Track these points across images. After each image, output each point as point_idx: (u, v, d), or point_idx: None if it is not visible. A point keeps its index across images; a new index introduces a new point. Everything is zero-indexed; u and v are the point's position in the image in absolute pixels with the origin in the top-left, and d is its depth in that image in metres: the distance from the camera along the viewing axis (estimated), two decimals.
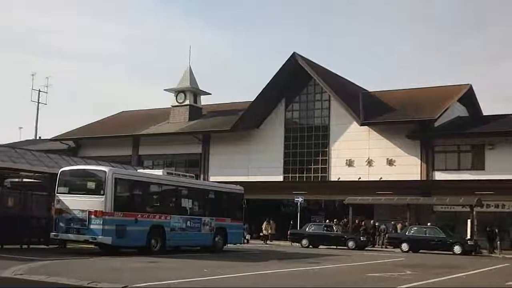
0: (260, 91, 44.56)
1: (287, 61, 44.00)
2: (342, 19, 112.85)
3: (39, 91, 66.44)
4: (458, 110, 43.65)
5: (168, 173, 26.90)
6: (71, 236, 22.78)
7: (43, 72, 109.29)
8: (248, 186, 32.46)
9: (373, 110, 42.53)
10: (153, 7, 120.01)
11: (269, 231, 40.90)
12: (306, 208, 43.23)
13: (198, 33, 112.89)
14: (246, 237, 39.67)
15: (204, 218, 26.66)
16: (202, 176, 45.79)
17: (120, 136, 50.29)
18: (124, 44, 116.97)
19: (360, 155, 41.65)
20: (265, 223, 40.99)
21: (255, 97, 45.08)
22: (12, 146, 36.69)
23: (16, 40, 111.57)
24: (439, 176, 39.39)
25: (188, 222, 25.75)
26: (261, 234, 41.04)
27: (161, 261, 19.80)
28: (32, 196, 26.27)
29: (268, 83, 44.33)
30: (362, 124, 41.19)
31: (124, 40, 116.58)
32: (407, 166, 39.99)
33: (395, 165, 40.56)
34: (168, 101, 52.04)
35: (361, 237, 36.59)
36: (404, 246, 34.62)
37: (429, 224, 36.57)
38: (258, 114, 45.55)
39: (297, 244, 37.32)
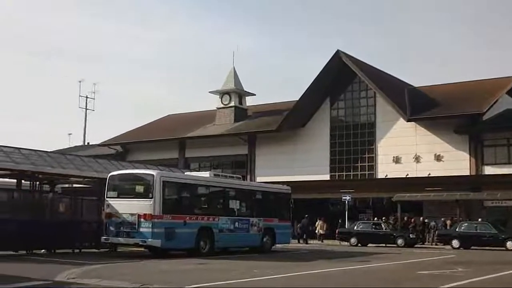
0: (305, 90, 44.46)
1: (331, 59, 43.79)
2: (386, 13, 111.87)
3: (87, 97, 67.43)
4: (507, 103, 42.75)
5: (215, 175, 27.04)
6: (121, 240, 23.08)
7: (90, 78, 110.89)
8: (295, 185, 32.39)
9: (420, 105, 42.01)
10: (196, 11, 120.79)
11: (323, 230, 40.64)
12: (353, 206, 42.94)
13: (242, 34, 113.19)
14: (304, 237, 39.74)
15: (252, 219, 26.71)
16: (248, 177, 45.86)
17: (167, 139, 50.72)
18: (169, 48, 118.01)
19: (407, 151, 41.19)
20: (320, 222, 40.87)
21: (299, 96, 44.98)
22: (62, 152, 37.38)
23: (65, 47, 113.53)
24: (488, 170, 38.70)
25: (236, 223, 25.83)
26: (317, 232, 40.87)
27: (210, 262, 19.91)
28: (82, 201, 26.72)
29: (312, 82, 44.19)
30: (408, 120, 40.75)
31: (169, 44, 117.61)
32: (456, 162, 39.39)
33: (443, 161, 40.01)
34: (213, 103, 52.21)
35: (411, 235, 36.18)
36: (455, 243, 34.08)
37: (479, 219, 35.94)
38: (303, 113, 45.44)
39: (346, 242, 37.10)
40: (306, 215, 40.20)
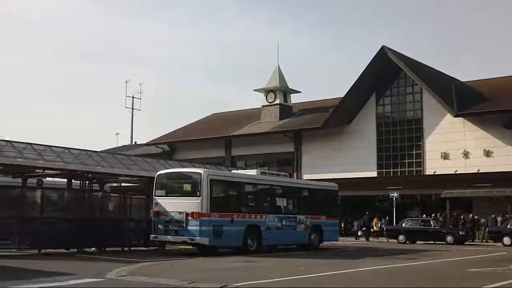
0: (350, 86, 44.22)
1: (376, 55, 43.46)
2: (429, 7, 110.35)
3: (133, 97, 68.17)
4: None
5: (262, 173, 27.11)
6: (170, 238, 23.31)
7: (136, 79, 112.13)
8: (341, 183, 32.26)
9: (468, 100, 41.38)
10: (238, 9, 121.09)
11: (378, 227, 40.41)
12: (401, 203, 42.53)
13: (286, 32, 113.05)
14: (359, 234, 39.57)
15: (299, 216, 26.68)
16: (295, 174, 45.81)
17: (213, 138, 50.98)
18: (212, 47, 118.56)
19: (456, 147, 40.63)
20: (375, 219, 40.66)
21: (345, 93, 44.75)
22: (110, 152, 37.89)
23: (111, 49, 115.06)
24: None
25: (284, 220, 25.84)
26: (371, 230, 40.69)
27: (257, 260, 19.95)
28: (131, 200, 27.05)
29: (358, 78, 43.92)
30: (456, 115, 40.18)
31: (211, 43, 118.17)
32: (506, 157, 38.68)
33: (492, 156, 39.33)
34: (258, 101, 52.29)
35: (460, 232, 35.67)
36: (506, 240, 33.44)
37: None
38: (349, 110, 45.20)
39: (394, 240, 36.77)
40: (367, 212, 40.25)
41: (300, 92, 52.27)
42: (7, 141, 25.47)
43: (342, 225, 38.77)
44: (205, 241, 22.32)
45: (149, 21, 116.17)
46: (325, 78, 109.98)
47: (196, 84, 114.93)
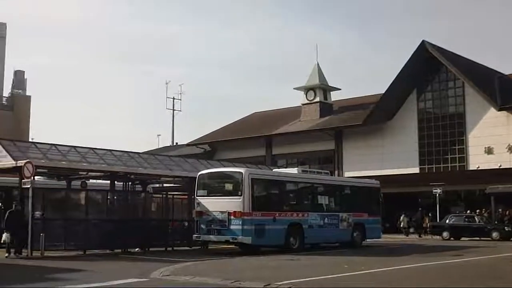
0: (391, 82, 43.82)
1: (416, 50, 42.98)
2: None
3: (173, 98, 68.68)
4: None
5: (303, 171, 27.07)
6: (212, 237, 23.42)
7: (176, 80, 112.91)
8: (383, 179, 32.00)
9: (511, 93, 40.67)
10: (276, 7, 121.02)
11: (425, 224, 39.96)
12: (444, 199, 41.97)
13: (324, 29, 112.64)
14: (411, 231, 39.22)
15: (341, 214, 26.56)
16: (336, 172, 45.60)
17: (253, 137, 51.03)
18: (250, 46, 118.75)
19: (500, 141, 39.96)
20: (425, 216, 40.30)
21: (385, 89, 44.37)
22: (152, 153, 38.23)
23: (151, 51, 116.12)
24: None
25: (326, 218, 25.76)
26: (424, 226, 40.29)
27: (300, 258, 19.91)
28: (173, 200, 27.27)
29: (398, 74, 43.49)
30: (500, 109, 39.52)
31: (249, 43, 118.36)
32: None
33: None
34: (298, 99, 52.19)
35: (506, 227, 35.06)
36: None
37: None
38: (389, 106, 44.80)
39: (438, 236, 36.34)
40: (420, 208, 39.90)
41: (340, 89, 52.05)
42: (52, 144, 25.88)
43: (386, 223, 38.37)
44: (247, 240, 22.37)
45: (188, 23, 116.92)
46: (365, 75, 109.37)
47: (236, 83, 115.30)
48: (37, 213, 22.69)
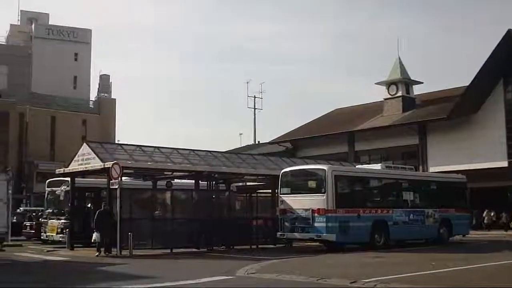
0: (475, 74, 42.61)
1: (502, 39, 41.62)
2: None
3: (254, 97, 68.93)
4: None
5: (387, 167, 26.74)
6: (297, 235, 23.46)
7: (257, 79, 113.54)
8: (470, 174, 31.20)
9: None
10: (353, 2, 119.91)
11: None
12: None
13: (404, 22, 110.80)
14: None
15: (427, 210, 26.08)
16: (421, 167, 44.72)
17: (335, 133, 50.66)
18: (329, 42, 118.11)
19: None
20: None
21: (470, 81, 43.19)
22: (235, 152, 38.56)
23: (230, 50, 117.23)
24: None
25: (411, 215, 25.36)
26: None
27: (386, 255, 19.66)
28: (257, 198, 27.42)
29: (483, 65, 42.19)
30: None
31: (328, 39, 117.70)
32: None
33: None
34: (379, 94, 51.51)
35: None
36: None
37: None
38: (475, 99, 43.54)
39: None
40: None
41: (422, 83, 50.99)
42: (137, 145, 26.50)
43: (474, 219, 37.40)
44: (332, 237, 22.29)
45: (267, 20, 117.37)
46: (448, 67, 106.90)
47: (316, 80, 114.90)
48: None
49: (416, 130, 46.34)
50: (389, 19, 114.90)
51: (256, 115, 69.38)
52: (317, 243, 24.02)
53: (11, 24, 75.04)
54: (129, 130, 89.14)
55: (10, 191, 24.01)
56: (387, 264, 17.06)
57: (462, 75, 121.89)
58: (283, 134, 55.90)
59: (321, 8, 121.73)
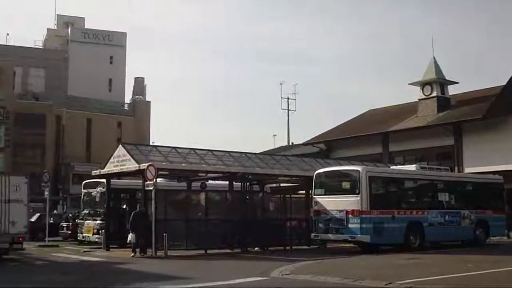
0: None
1: None
2: None
3: (288, 98, 68.89)
4: None
5: (421, 168, 26.53)
6: (331, 236, 23.42)
7: (290, 80, 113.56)
8: (507, 175, 30.74)
9: None
10: (387, 2, 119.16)
11: None
12: None
13: (440, 21, 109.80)
14: None
15: (462, 211, 25.80)
16: (456, 168, 44.23)
17: (369, 134, 50.38)
18: (362, 43, 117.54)
19: None
20: None
21: (507, 81, 42.59)
22: (269, 153, 38.59)
23: (263, 51, 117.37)
24: None
25: (446, 216, 25.12)
26: None
27: (421, 257, 19.50)
28: (291, 200, 27.42)
29: None
30: None
31: (360, 39, 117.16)
32: None
33: None
34: (413, 95, 51.09)
35: None
36: None
37: None
38: (511, 98, 42.94)
39: None
40: None
41: (457, 83, 50.36)
42: (172, 147, 26.68)
43: None
44: (366, 238, 22.20)
45: (298, 21, 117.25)
46: (484, 67, 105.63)
47: (350, 81, 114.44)
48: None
49: (451, 131, 45.85)
50: (424, 19, 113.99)
51: (289, 117, 69.34)
52: (351, 245, 23.92)
53: (48, 29, 76.21)
54: (163, 132, 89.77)
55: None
56: (422, 266, 16.94)
57: (498, 75, 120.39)
58: (316, 135, 55.75)
59: (355, 8, 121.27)
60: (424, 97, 49.41)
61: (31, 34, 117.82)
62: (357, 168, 23.56)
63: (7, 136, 58.31)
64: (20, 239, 21.70)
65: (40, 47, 73.21)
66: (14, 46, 66.86)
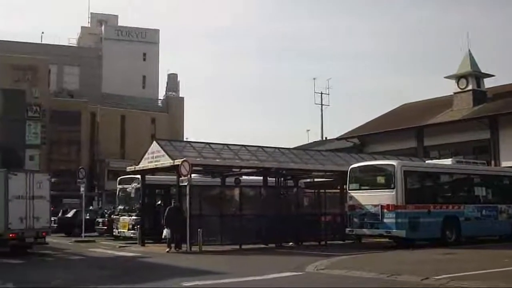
0: None
1: None
2: None
3: (321, 93, 68.70)
4: None
5: (457, 162, 26.23)
6: (366, 231, 23.29)
7: (324, 75, 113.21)
8: None
9: None
10: None
11: None
12: None
13: (474, 14, 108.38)
14: None
15: (500, 205, 25.48)
16: (493, 162, 43.66)
17: (403, 129, 49.97)
18: (394, 37, 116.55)
19: None
20: None
21: None
22: (303, 148, 38.50)
23: (297, 46, 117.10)
24: None
25: (483, 210, 24.81)
26: None
27: (457, 252, 19.28)
28: (325, 194, 27.32)
29: None
30: None
31: (393, 33, 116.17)
32: None
33: None
34: (449, 88, 50.53)
35: None
36: None
37: None
38: None
39: None
40: None
41: (494, 75, 49.68)
42: (206, 143, 26.75)
43: None
44: (401, 233, 22.02)
45: (332, 16, 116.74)
46: None
47: (383, 75, 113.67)
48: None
49: (487, 124, 45.23)
50: (457, 11, 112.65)
51: (323, 111, 69.15)
52: (387, 239, 23.76)
53: (82, 27, 77.00)
54: (197, 127, 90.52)
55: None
56: (458, 261, 16.75)
57: None
58: (350, 130, 55.50)
59: (388, 3, 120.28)
60: (459, 90, 48.79)
61: (65, 33, 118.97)
62: (392, 163, 23.38)
63: (43, 134, 59.11)
64: (44, 233, 22.62)
65: (74, 45, 74.05)
66: (49, 44, 67.70)
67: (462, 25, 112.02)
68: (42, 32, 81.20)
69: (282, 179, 28.32)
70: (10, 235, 21.46)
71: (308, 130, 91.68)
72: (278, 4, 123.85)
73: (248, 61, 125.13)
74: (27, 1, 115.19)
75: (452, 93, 49.75)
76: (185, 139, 51.27)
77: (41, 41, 69.20)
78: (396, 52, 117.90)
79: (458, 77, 49.05)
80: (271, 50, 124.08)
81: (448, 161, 26.33)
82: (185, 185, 22.65)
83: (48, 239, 23.34)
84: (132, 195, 29.01)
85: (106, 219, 32.29)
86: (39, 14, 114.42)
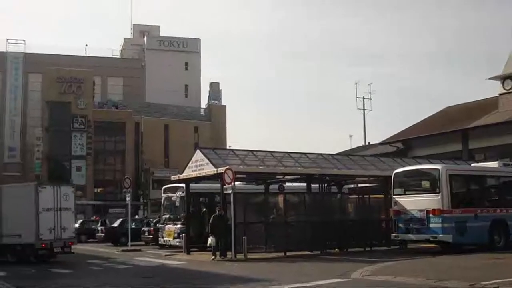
0: None
1: None
2: None
3: (363, 98, 68.41)
4: None
5: (504, 164, 25.80)
6: (411, 236, 23.06)
7: (366, 79, 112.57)
8: None
9: None
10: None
11: None
12: None
13: None
14: None
15: None
16: None
17: (447, 132, 49.38)
18: (434, 38, 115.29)
19: None
20: None
21: None
22: (346, 154, 38.34)
23: (337, 50, 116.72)
24: None
25: None
26: None
27: (505, 257, 18.90)
28: (369, 200, 27.15)
29: None
30: None
31: (436, 35, 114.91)
32: None
33: None
34: (492, 90, 49.78)
35: None
36: None
37: None
38: None
39: None
40: None
41: None
42: (249, 150, 26.82)
43: None
44: (448, 238, 21.73)
45: (373, 19, 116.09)
46: None
47: (425, 78, 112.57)
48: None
49: None
50: (500, 11, 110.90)
51: (365, 116, 68.82)
52: (433, 245, 23.48)
53: (124, 38, 78.07)
54: (240, 135, 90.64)
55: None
56: (507, 266, 16.50)
57: None
58: (393, 134, 55.06)
59: (430, 5, 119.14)
60: (504, 91, 48.01)
61: (108, 44, 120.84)
62: (437, 167, 23.13)
63: (88, 144, 60.13)
64: (70, 243, 23.89)
65: (117, 56, 75.10)
66: (92, 56, 68.85)
67: (506, 24, 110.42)
68: (86, 45, 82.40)
69: (325, 185, 28.24)
70: (42, 245, 22.88)
71: (351, 136, 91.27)
72: (308, 6, 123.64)
73: (288, 66, 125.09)
74: (71, 15, 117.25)
75: (497, 95, 49.01)
76: (228, 147, 51.49)
77: (85, 53, 70.43)
78: (437, 54, 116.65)
79: (503, 78, 48.25)
80: (313, 54, 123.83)
81: (494, 164, 25.89)
82: (229, 193, 22.75)
83: (96, 248, 23.83)
84: (177, 203, 29.26)
85: (151, 228, 32.64)
86: (82, 27, 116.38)
